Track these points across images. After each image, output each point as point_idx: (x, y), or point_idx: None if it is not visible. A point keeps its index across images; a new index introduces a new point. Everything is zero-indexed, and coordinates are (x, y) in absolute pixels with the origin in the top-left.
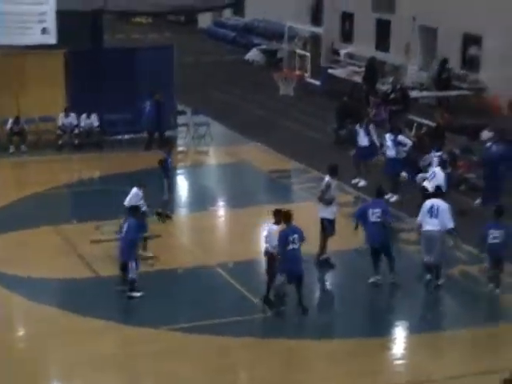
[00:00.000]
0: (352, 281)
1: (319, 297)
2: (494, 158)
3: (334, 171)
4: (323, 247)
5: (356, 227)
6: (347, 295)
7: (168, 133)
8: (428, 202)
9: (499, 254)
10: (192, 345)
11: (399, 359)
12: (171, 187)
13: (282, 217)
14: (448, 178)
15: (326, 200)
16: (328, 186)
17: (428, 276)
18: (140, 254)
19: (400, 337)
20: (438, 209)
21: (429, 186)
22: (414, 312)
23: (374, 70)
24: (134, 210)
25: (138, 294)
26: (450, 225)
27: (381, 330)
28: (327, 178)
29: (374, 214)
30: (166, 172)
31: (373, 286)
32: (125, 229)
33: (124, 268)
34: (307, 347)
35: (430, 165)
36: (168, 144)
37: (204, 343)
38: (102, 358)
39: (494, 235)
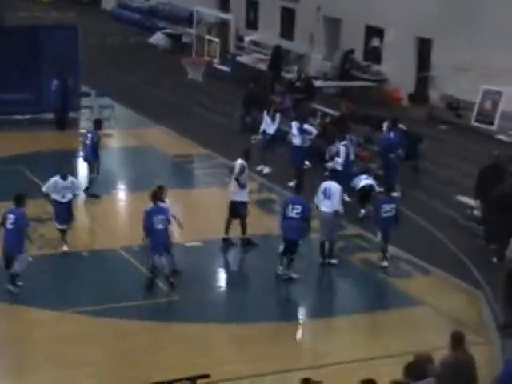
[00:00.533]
0: (258, 266)
1: (227, 281)
2: (388, 147)
3: (247, 155)
4: (227, 228)
5: None
6: (254, 281)
7: (70, 115)
8: (323, 184)
9: (389, 226)
10: (96, 328)
11: (301, 344)
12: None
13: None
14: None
15: (240, 183)
16: (242, 169)
17: (321, 260)
18: None
19: (301, 322)
20: (330, 190)
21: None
22: (314, 298)
23: (279, 58)
24: (19, 199)
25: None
26: (339, 207)
27: (283, 316)
28: (240, 161)
29: (294, 210)
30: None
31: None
32: (11, 220)
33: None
34: (211, 331)
35: (337, 154)
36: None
37: (108, 326)
38: (4, 340)
39: (386, 209)
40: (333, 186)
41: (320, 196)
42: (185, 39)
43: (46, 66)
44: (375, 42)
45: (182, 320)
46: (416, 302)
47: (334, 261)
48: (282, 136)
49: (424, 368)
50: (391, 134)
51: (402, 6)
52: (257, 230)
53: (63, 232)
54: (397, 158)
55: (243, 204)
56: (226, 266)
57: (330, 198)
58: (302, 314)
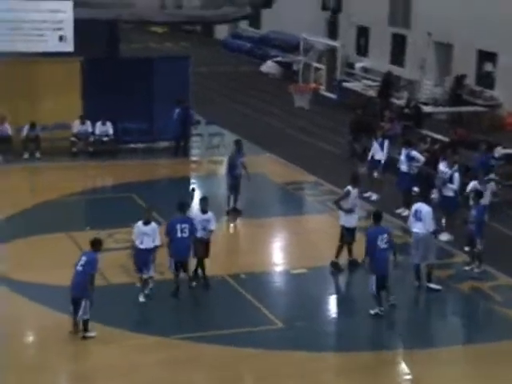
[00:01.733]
0: (361, 293)
1: (329, 309)
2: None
3: (355, 180)
4: (338, 252)
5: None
6: (356, 309)
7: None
8: (414, 206)
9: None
10: (201, 354)
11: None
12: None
13: None
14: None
15: (344, 208)
16: (347, 193)
17: (416, 283)
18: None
19: (406, 352)
20: (421, 212)
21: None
22: (422, 326)
23: (389, 84)
24: (95, 243)
25: (92, 334)
26: (431, 228)
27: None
28: (348, 187)
29: (383, 241)
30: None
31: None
32: (82, 262)
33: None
34: (314, 359)
35: (450, 180)
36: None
37: (213, 353)
38: (111, 366)
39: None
40: (423, 207)
41: (411, 218)
42: (295, 67)
43: (159, 96)
44: (488, 67)
45: (286, 348)
46: None
47: (434, 286)
48: (391, 163)
49: None
50: (484, 158)
51: None
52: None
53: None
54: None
55: (347, 229)
56: (330, 294)
57: (421, 219)
58: (408, 343)
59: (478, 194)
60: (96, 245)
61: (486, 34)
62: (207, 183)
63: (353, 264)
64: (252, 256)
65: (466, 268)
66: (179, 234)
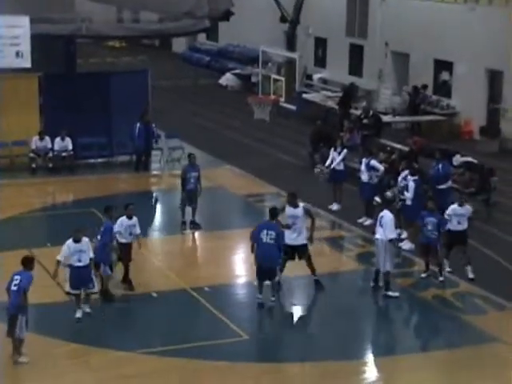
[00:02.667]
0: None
1: (293, 320)
2: (436, 178)
3: (292, 198)
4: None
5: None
6: (321, 318)
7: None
8: (380, 213)
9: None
10: (166, 368)
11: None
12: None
13: None
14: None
15: (282, 224)
16: (282, 209)
17: (372, 283)
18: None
19: (371, 360)
20: (382, 218)
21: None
22: (384, 335)
23: (350, 95)
24: (26, 262)
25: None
26: (390, 235)
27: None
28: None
29: (269, 236)
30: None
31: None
32: (15, 281)
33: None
34: (280, 370)
35: (406, 189)
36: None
37: (178, 366)
38: (78, 381)
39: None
40: (386, 214)
41: (377, 224)
42: (254, 79)
43: (118, 110)
44: (445, 76)
45: (251, 360)
46: (491, 339)
47: (391, 293)
48: (350, 173)
49: None
50: (440, 166)
51: (471, 38)
52: (323, 267)
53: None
54: (448, 189)
55: (289, 247)
56: (293, 304)
57: (382, 225)
58: (372, 351)
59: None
60: (28, 264)
61: (442, 44)
62: (167, 197)
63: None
64: (214, 268)
65: (423, 275)
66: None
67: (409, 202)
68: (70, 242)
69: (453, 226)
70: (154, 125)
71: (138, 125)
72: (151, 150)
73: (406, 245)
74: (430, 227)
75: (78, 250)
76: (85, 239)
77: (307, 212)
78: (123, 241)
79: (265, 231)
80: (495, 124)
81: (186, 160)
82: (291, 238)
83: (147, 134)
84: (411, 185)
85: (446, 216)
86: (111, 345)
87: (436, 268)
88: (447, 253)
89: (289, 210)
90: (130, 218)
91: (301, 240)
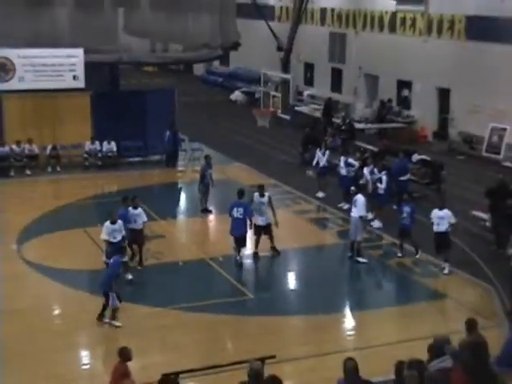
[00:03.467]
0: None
1: (290, 282)
2: (398, 171)
3: (260, 188)
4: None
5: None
6: (312, 281)
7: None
8: (354, 197)
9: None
10: (188, 320)
11: (350, 330)
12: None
13: None
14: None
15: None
16: (251, 199)
17: (349, 253)
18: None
19: (348, 313)
20: (356, 201)
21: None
22: (360, 294)
23: (330, 107)
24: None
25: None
26: (361, 213)
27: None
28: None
29: (238, 212)
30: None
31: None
32: (111, 261)
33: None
34: (279, 322)
35: (380, 181)
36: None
37: (197, 319)
38: (119, 330)
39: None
40: (359, 197)
41: (352, 205)
42: (257, 95)
43: (151, 120)
44: (405, 92)
45: (256, 314)
46: (441, 296)
47: (362, 259)
48: (332, 168)
49: (442, 348)
50: (401, 162)
51: (425, 63)
52: (311, 241)
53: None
54: (406, 180)
55: (258, 227)
56: (289, 270)
57: (356, 206)
58: (353, 307)
59: (411, 196)
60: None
61: (403, 67)
62: (190, 188)
63: (273, 250)
64: (226, 243)
65: (399, 255)
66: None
67: (381, 191)
68: (107, 223)
69: (435, 227)
70: (179, 133)
71: (168, 133)
72: (178, 151)
73: (376, 223)
74: (404, 215)
75: (114, 230)
76: (119, 221)
77: (270, 200)
78: (130, 226)
79: (235, 208)
80: (444, 129)
81: (203, 160)
82: (260, 220)
83: (174, 139)
84: (384, 178)
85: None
86: (147, 302)
87: (412, 247)
88: (435, 251)
89: (257, 198)
90: (135, 208)
91: (266, 221)
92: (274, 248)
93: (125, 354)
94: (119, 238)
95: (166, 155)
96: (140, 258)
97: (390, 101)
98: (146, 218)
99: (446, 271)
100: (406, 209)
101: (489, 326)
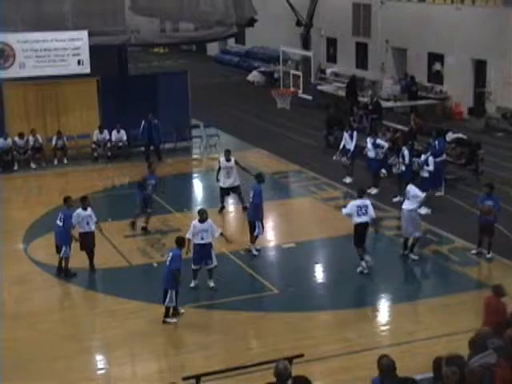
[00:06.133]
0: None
1: (317, 275)
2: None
3: (226, 153)
4: None
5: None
6: (340, 274)
7: (184, 144)
8: (407, 187)
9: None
10: (211, 319)
11: (384, 325)
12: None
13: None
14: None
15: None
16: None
17: (401, 251)
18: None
19: (384, 306)
20: (409, 192)
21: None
22: (398, 286)
23: (354, 85)
24: (180, 241)
25: (173, 320)
26: (414, 206)
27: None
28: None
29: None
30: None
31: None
32: (168, 258)
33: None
34: (306, 318)
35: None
36: (151, 165)
37: (220, 317)
38: (138, 331)
39: None
40: (412, 189)
41: (405, 197)
42: (276, 75)
43: (163, 105)
44: (437, 66)
45: (281, 310)
46: (483, 285)
47: (413, 256)
48: (360, 151)
49: (485, 342)
50: (436, 142)
51: (458, 33)
52: (339, 231)
53: None
54: (444, 161)
55: (227, 189)
56: (315, 263)
57: (409, 198)
58: (386, 299)
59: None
60: (179, 242)
61: (434, 39)
62: (207, 178)
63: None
64: (248, 235)
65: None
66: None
67: (426, 175)
68: (195, 222)
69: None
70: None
71: (143, 123)
72: (158, 144)
73: (423, 210)
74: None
75: (202, 230)
76: (209, 220)
77: (237, 163)
78: (83, 230)
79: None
80: (481, 105)
81: (221, 146)
82: (228, 182)
83: (150, 130)
84: (431, 160)
85: None
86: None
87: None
88: (479, 237)
89: (224, 163)
90: (85, 209)
91: (234, 183)
92: (245, 208)
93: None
94: (208, 239)
95: (144, 148)
96: (91, 261)
97: (412, 78)
98: (96, 218)
99: (489, 255)
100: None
101: None
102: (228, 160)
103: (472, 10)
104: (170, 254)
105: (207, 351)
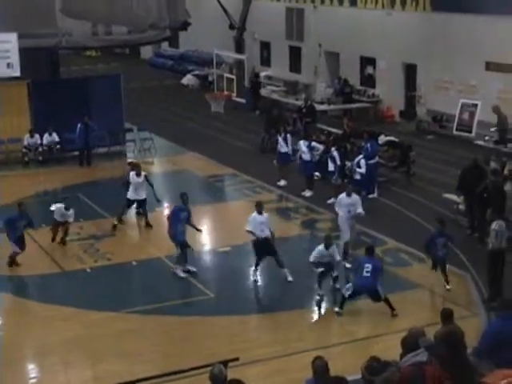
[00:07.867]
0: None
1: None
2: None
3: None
4: None
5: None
6: (275, 277)
7: (117, 148)
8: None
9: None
10: (146, 324)
11: (320, 327)
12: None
13: None
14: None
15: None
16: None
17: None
18: None
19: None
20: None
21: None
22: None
23: (256, 83)
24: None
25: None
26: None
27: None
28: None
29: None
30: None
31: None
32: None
33: None
34: (241, 321)
35: (358, 165)
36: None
37: (156, 322)
38: (71, 339)
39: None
40: (342, 197)
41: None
42: (210, 78)
43: (96, 109)
44: (369, 70)
45: (217, 314)
46: (415, 286)
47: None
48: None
49: (416, 341)
50: (368, 145)
51: (389, 37)
52: (275, 233)
53: None
54: (375, 164)
55: (137, 201)
56: (250, 266)
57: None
58: (315, 302)
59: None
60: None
61: (366, 43)
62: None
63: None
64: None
65: None
66: None
67: (358, 177)
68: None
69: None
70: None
71: (80, 125)
72: (92, 145)
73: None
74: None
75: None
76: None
77: (147, 179)
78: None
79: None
80: (412, 108)
81: (156, 150)
82: (138, 194)
83: (87, 133)
84: (363, 162)
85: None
86: (99, 307)
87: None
88: None
89: (133, 178)
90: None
91: (143, 196)
92: (148, 223)
93: None
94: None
95: (78, 152)
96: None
97: (346, 80)
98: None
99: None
100: (440, 240)
101: (466, 315)
102: (138, 175)
103: (402, 15)
104: (368, 264)
105: (143, 357)
